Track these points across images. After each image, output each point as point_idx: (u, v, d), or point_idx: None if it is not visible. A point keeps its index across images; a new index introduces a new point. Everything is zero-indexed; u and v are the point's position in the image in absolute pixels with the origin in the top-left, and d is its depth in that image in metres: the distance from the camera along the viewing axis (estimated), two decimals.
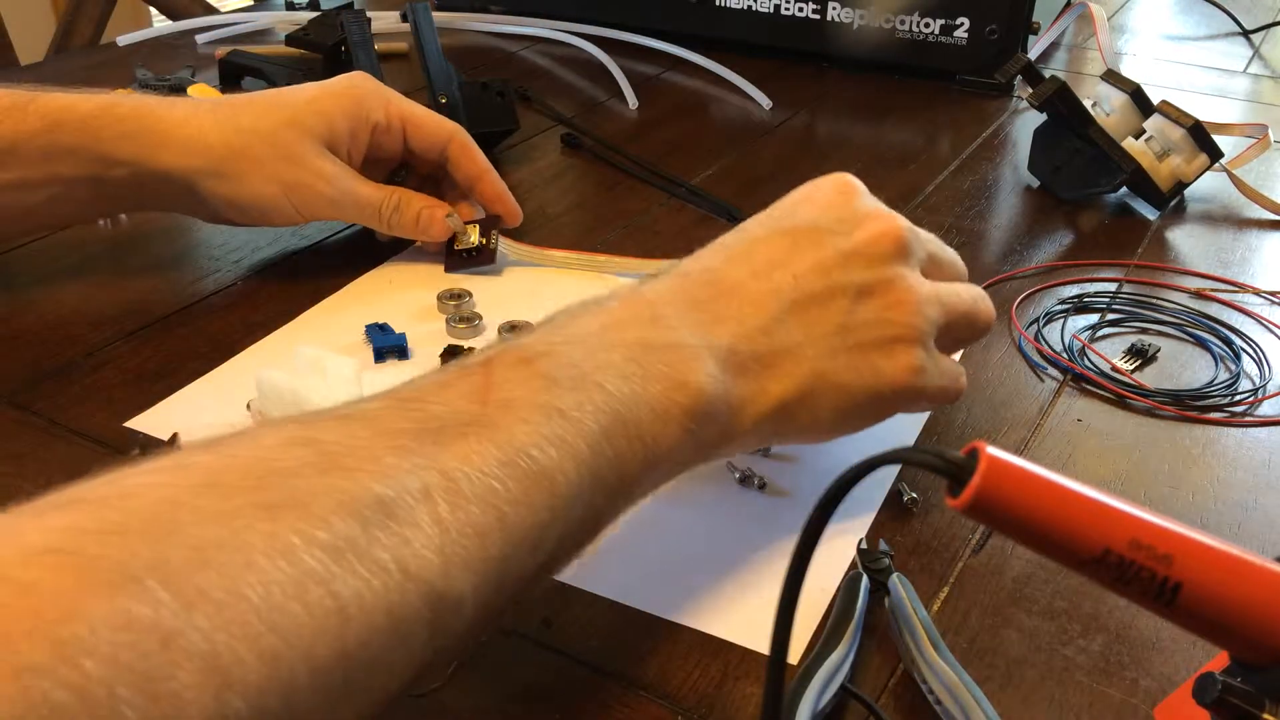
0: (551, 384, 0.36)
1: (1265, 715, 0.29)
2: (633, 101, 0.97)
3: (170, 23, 1.29)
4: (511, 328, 0.61)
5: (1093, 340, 0.64)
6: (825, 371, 0.43)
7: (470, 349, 0.60)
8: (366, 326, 0.62)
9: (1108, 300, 0.68)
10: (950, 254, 0.50)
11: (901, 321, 0.44)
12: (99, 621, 0.24)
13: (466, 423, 0.34)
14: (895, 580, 0.43)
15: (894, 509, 0.50)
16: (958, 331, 0.49)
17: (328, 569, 0.28)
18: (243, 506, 0.29)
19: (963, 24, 1.02)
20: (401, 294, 0.66)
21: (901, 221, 0.46)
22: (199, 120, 0.63)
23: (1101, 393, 0.59)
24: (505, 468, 0.33)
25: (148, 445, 0.52)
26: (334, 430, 0.33)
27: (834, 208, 0.46)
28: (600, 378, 0.38)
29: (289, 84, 0.97)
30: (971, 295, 0.49)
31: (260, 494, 0.29)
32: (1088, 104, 0.80)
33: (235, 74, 1.01)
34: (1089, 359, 0.62)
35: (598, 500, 0.37)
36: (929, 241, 0.48)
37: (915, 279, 0.46)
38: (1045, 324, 0.65)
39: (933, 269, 0.48)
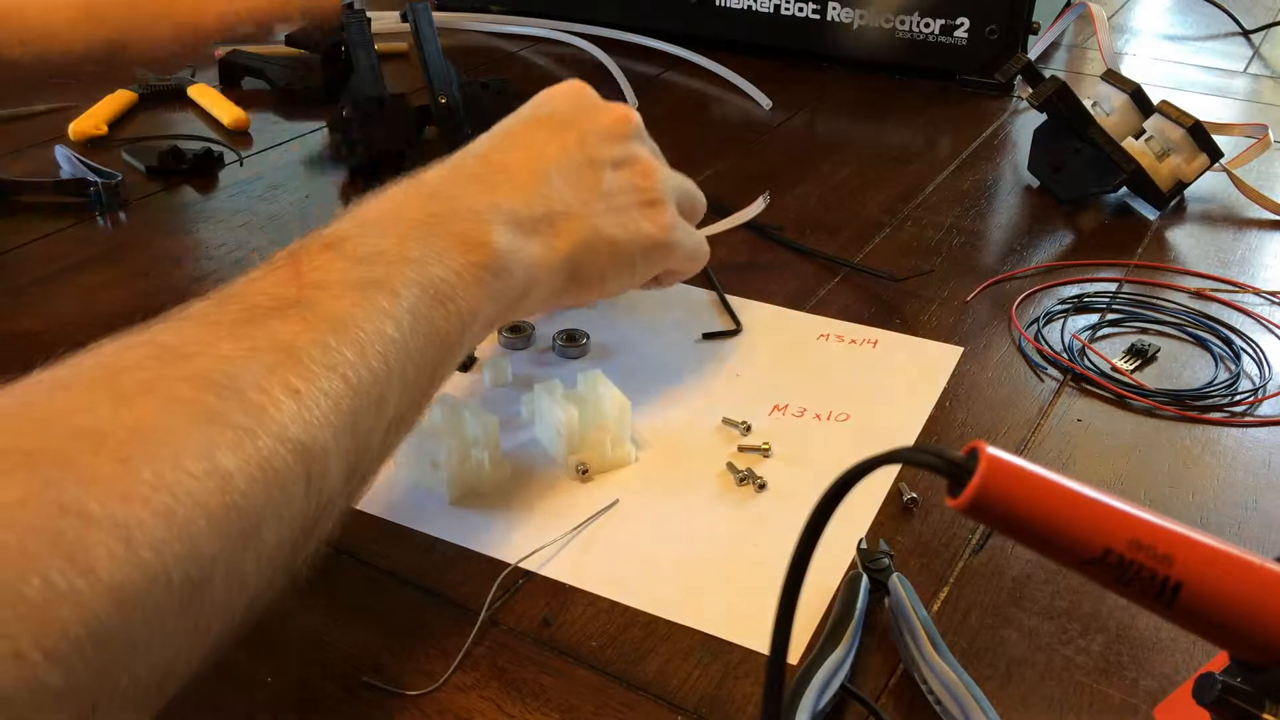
0: (359, 263, 0.39)
1: (1265, 715, 0.29)
2: (633, 101, 0.97)
3: None
4: (512, 328, 0.61)
5: (1093, 340, 0.64)
6: (599, 227, 0.49)
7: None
8: None
9: (1108, 300, 0.68)
10: (659, 152, 0.57)
11: (651, 187, 0.52)
12: None
13: (288, 305, 0.36)
14: (895, 580, 0.43)
15: (894, 509, 0.50)
16: (685, 207, 0.57)
17: (199, 440, 0.30)
18: (99, 399, 0.31)
19: (963, 24, 1.02)
20: None
21: (633, 111, 0.54)
22: None
23: (1101, 393, 0.59)
24: (338, 337, 0.36)
25: None
26: (167, 332, 0.35)
27: (574, 102, 0.53)
28: (402, 252, 0.41)
29: (289, 84, 0.97)
30: (687, 179, 0.58)
31: (113, 387, 0.31)
32: (1088, 104, 0.80)
33: (235, 74, 1.01)
34: (1089, 359, 0.62)
35: (424, 361, 0.40)
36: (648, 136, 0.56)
37: (652, 156, 0.54)
38: (1045, 324, 0.65)
39: (657, 157, 0.56)
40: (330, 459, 0.34)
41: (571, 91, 0.54)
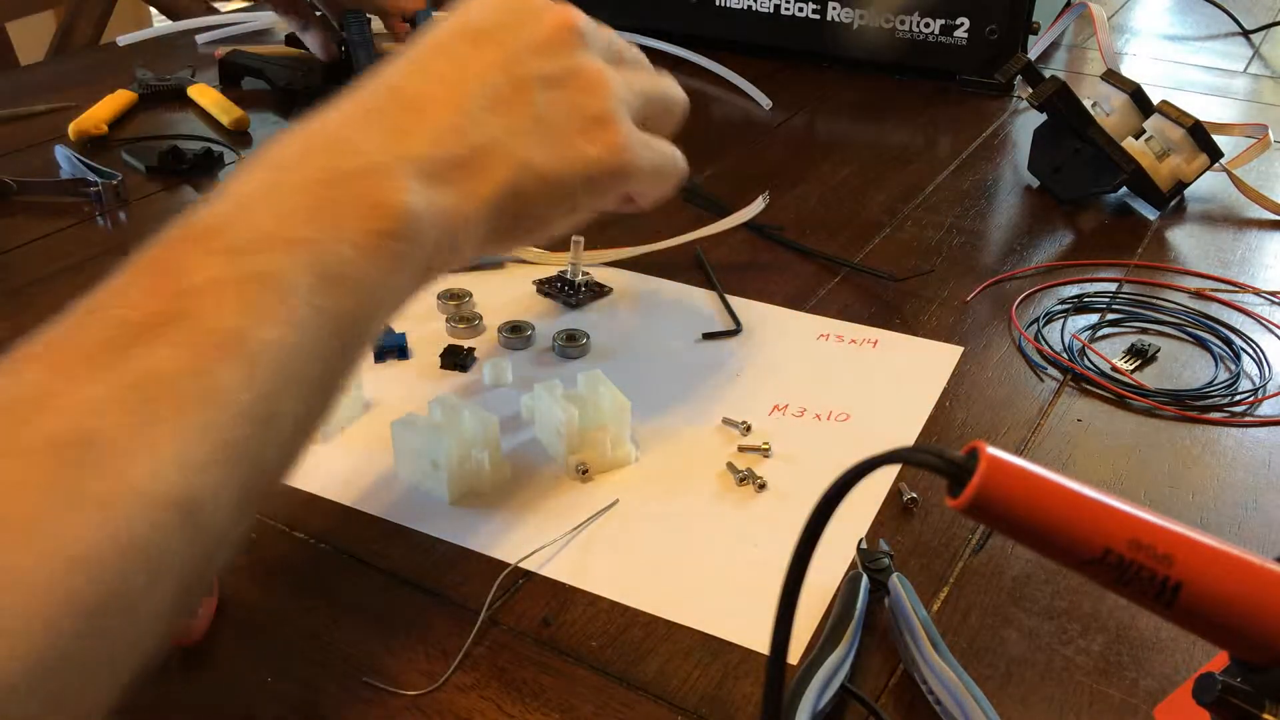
0: (240, 255, 0.34)
1: (1265, 715, 0.29)
2: None
3: (170, 23, 1.29)
4: (512, 328, 0.61)
5: (1093, 340, 0.64)
6: (530, 162, 0.42)
7: (471, 349, 0.60)
8: None
9: (1108, 300, 0.68)
10: (633, 49, 0.49)
11: (595, 103, 0.44)
12: None
13: (162, 322, 0.31)
14: (895, 580, 0.43)
15: (894, 509, 0.50)
16: (655, 114, 0.48)
17: (57, 521, 0.27)
18: None
19: (963, 24, 1.02)
20: None
21: (577, 12, 0.45)
22: None
23: (1101, 393, 0.59)
24: (221, 354, 0.31)
25: None
26: (19, 377, 0.30)
27: (502, 6, 0.45)
28: (290, 232, 0.35)
29: (289, 84, 0.97)
30: (659, 78, 0.49)
31: None
32: (1088, 104, 0.80)
33: (235, 74, 1.01)
34: (1089, 359, 0.62)
35: (329, 354, 0.35)
36: (607, 33, 0.47)
37: (601, 64, 0.45)
38: (1045, 324, 0.65)
39: (616, 60, 0.47)
40: (217, 498, 0.31)
41: None
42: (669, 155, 0.49)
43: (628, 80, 0.46)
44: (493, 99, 0.42)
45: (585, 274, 0.67)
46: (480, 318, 0.63)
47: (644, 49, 0.51)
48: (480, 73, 0.42)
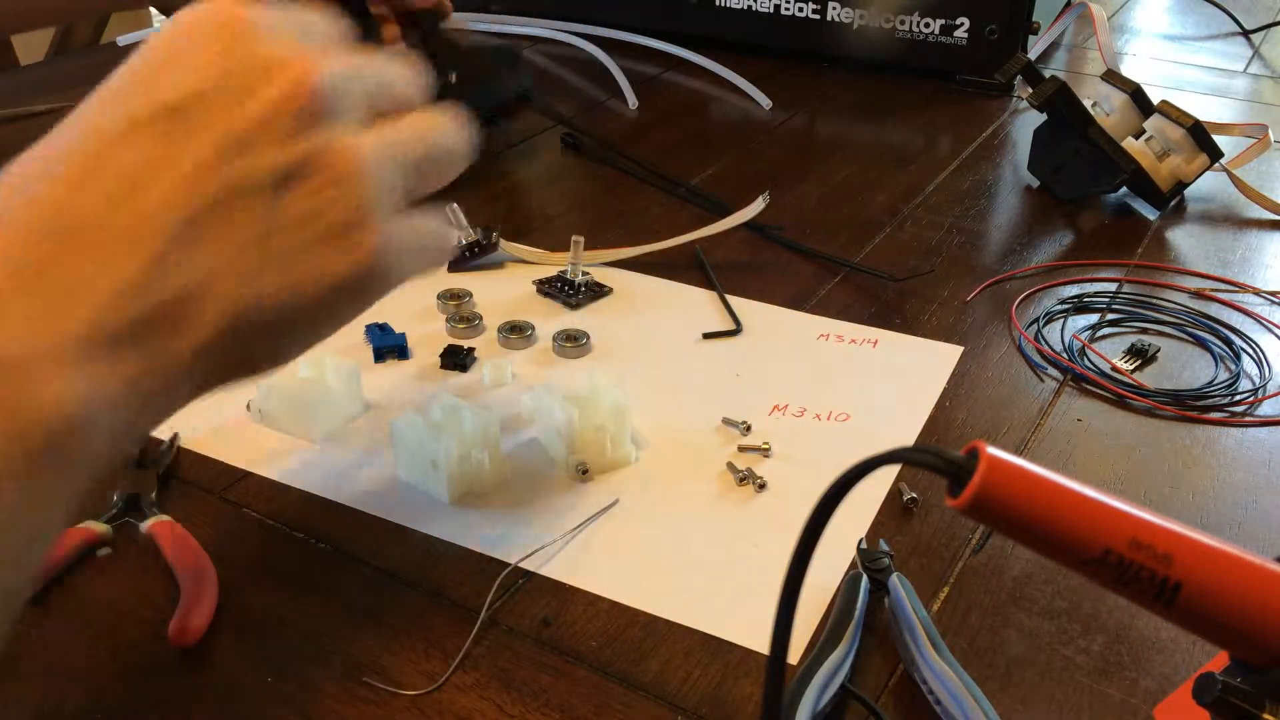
0: None
1: (1265, 715, 0.29)
2: (633, 101, 0.97)
3: None
4: (512, 328, 0.61)
5: (1093, 340, 0.64)
6: (252, 300, 0.32)
7: (471, 349, 0.60)
8: (366, 326, 0.62)
9: (1108, 300, 0.68)
10: (391, 75, 0.37)
11: (343, 202, 0.33)
12: None
13: None
14: (895, 580, 0.43)
15: (894, 509, 0.50)
16: (427, 176, 0.37)
17: None
18: None
19: (963, 24, 1.02)
20: (401, 294, 0.66)
21: (314, 62, 0.33)
22: None
23: (1101, 393, 0.59)
24: None
25: (148, 446, 0.52)
26: None
27: (214, 64, 0.31)
28: None
29: None
30: (433, 125, 0.37)
31: None
32: (1088, 104, 0.80)
33: None
34: (1089, 359, 0.62)
35: None
36: (359, 74, 0.35)
37: (351, 137, 0.33)
38: (1045, 324, 0.65)
39: (378, 103, 0.36)
40: None
41: (208, 46, 0.32)
42: (434, 239, 0.38)
43: (390, 145, 0.35)
44: (198, 219, 0.30)
45: (585, 274, 0.67)
46: (480, 318, 0.63)
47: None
48: (180, 179, 0.30)
